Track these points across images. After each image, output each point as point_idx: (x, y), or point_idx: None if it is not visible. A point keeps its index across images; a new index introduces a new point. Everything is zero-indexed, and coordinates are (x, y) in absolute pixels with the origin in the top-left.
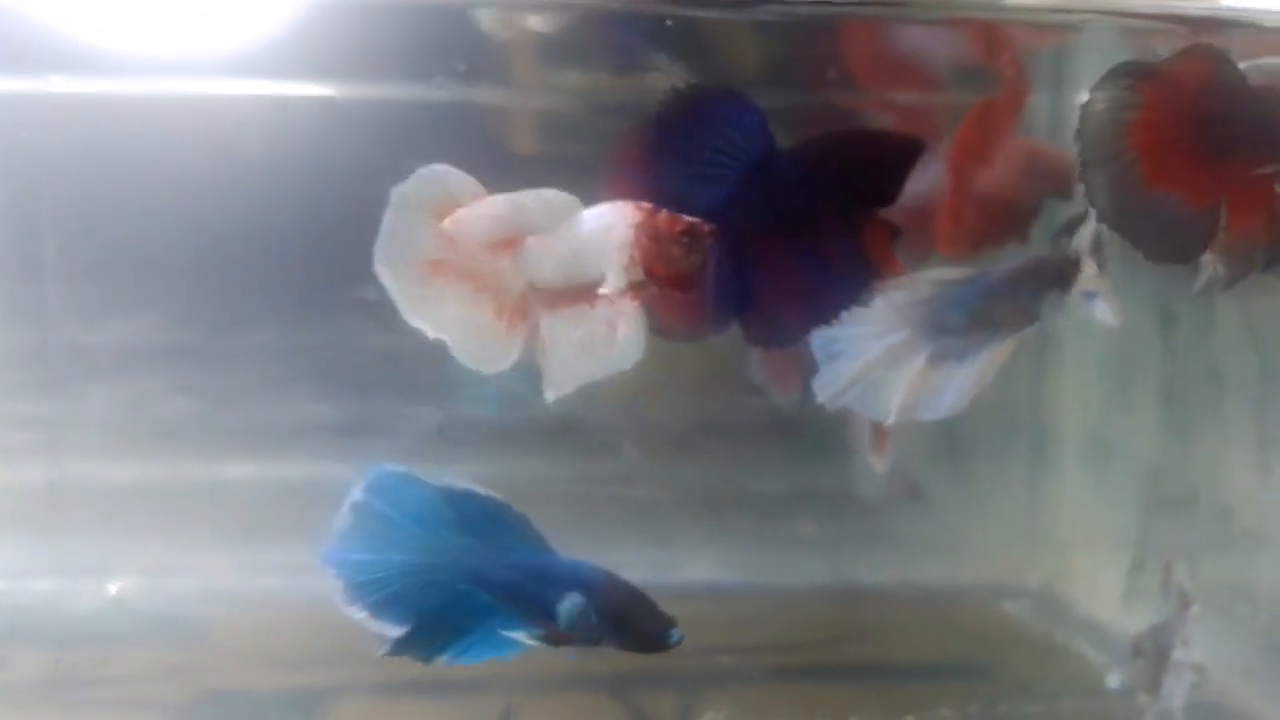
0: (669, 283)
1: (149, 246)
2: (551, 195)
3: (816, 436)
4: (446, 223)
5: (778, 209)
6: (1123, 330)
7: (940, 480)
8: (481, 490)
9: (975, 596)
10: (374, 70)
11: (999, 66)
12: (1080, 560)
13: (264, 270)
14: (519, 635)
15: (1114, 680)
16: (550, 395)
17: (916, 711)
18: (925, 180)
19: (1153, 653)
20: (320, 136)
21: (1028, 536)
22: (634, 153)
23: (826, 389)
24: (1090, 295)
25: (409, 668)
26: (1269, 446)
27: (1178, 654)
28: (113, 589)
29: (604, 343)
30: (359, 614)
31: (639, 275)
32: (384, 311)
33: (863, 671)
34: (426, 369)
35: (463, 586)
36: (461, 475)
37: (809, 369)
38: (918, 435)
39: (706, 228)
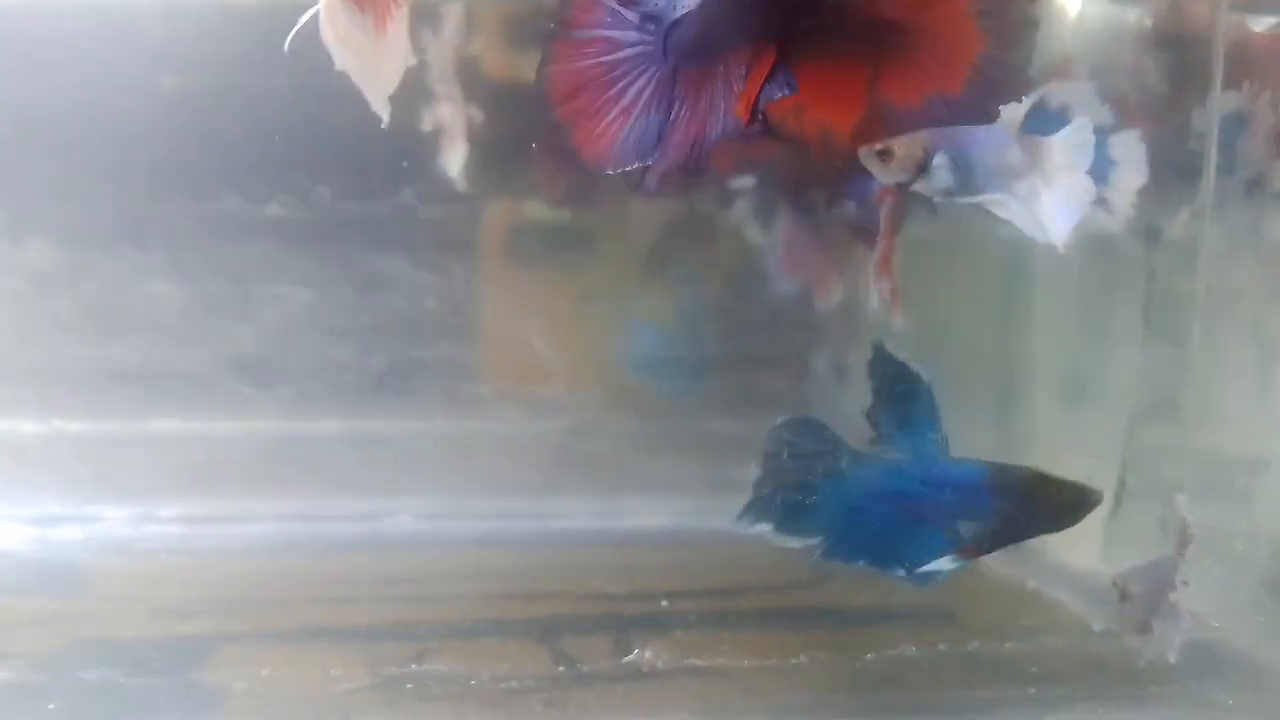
0: None
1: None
2: None
3: (767, 374)
4: None
5: (721, 31)
6: (1098, 252)
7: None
8: None
9: None
10: None
11: None
12: None
13: (170, 193)
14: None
15: (1098, 625)
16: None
17: (876, 650)
18: None
19: (1143, 595)
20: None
21: None
22: None
23: None
24: None
25: (307, 615)
26: (1270, 364)
27: (1175, 596)
28: None
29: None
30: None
31: None
32: (288, 241)
33: (815, 615)
34: (351, 307)
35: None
36: (396, 426)
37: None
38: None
39: None
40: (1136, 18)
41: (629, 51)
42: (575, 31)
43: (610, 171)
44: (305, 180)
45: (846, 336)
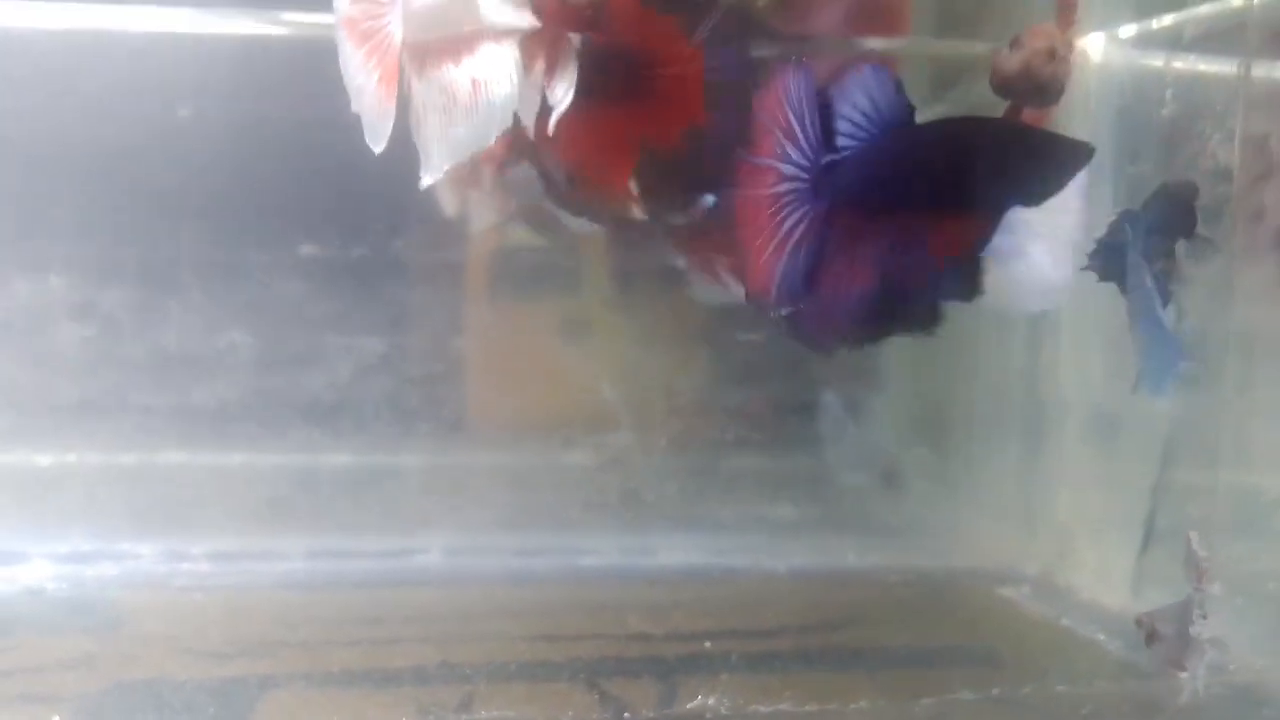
0: (564, 20)
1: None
2: None
3: (800, 418)
4: None
5: (891, 185)
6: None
7: (928, 462)
8: None
9: (969, 581)
10: None
11: None
12: (1083, 543)
13: (196, 233)
14: None
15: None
16: (424, 179)
17: (931, 694)
18: None
19: (1173, 634)
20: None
21: (1023, 519)
22: (777, 86)
23: None
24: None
25: (348, 657)
26: None
27: (1196, 629)
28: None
29: (466, 105)
30: None
31: (530, 17)
32: (322, 283)
33: (854, 656)
34: (369, 346)
35: None
36: (412, 463)
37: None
38: (904, 415)
39: None
40: (1163, 61)
41: (789, 186)
42: (756, 158)
43: (766, 304)
44: (348, 223)
45: (867, 376)
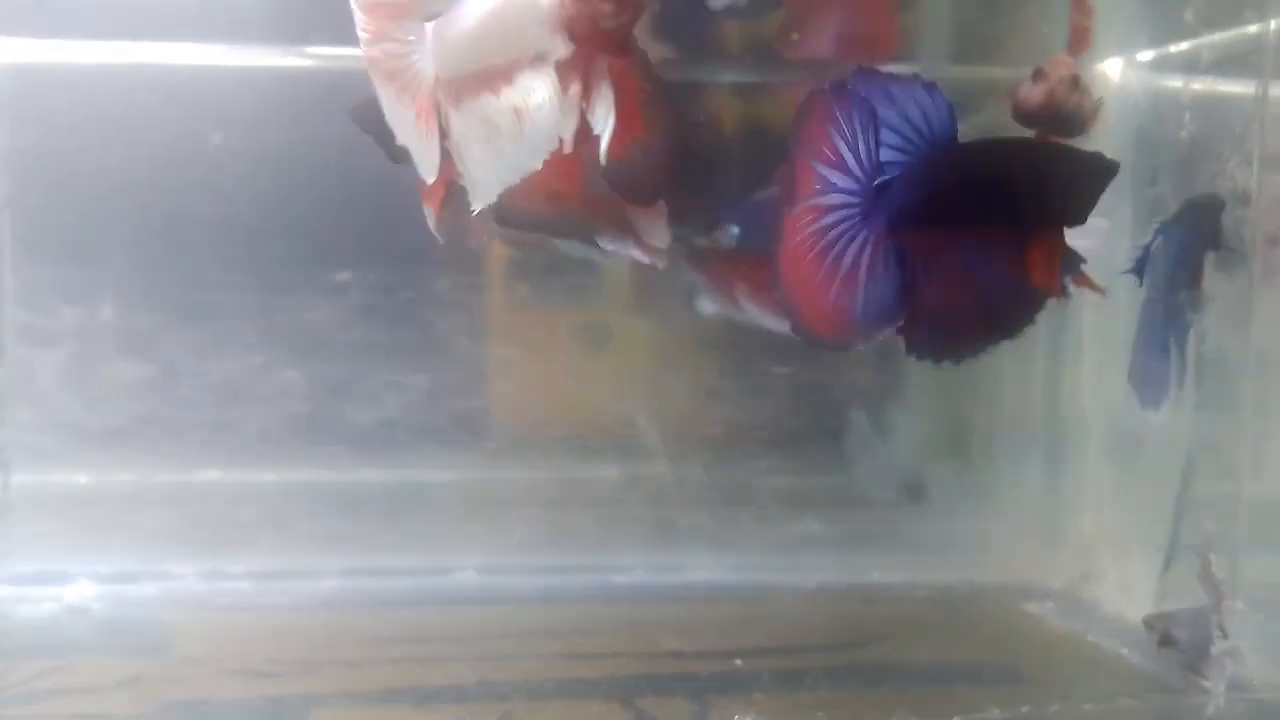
0: (597, 43)
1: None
2: None
3: (827, 436)
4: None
5: (948, 202)
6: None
7: (951, 479)
8: None
9: (993, 597)
10: None
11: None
12: (1107, 560)
13: (233, 259)
14: None
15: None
16: (475, 206)
17: (961, 714)
18: None
19: (1189, 640)
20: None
21: (1047, 536)
22: (820, 113)
23: None
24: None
25: (389, 675)
26: None
27: (1217, 648)
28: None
29: (511, 133)
30: None
31: (564, 43)
32: (358, 308)
33: (883, 674)
34: (402, 364)
35: None
36: (443, 482)
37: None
38: (927, 432)
39: None
40: (1181, 84)
41: (839, 215)
42: (797, 204)
43: (845, 342)
44: (380, 248)
45: (891, 395)
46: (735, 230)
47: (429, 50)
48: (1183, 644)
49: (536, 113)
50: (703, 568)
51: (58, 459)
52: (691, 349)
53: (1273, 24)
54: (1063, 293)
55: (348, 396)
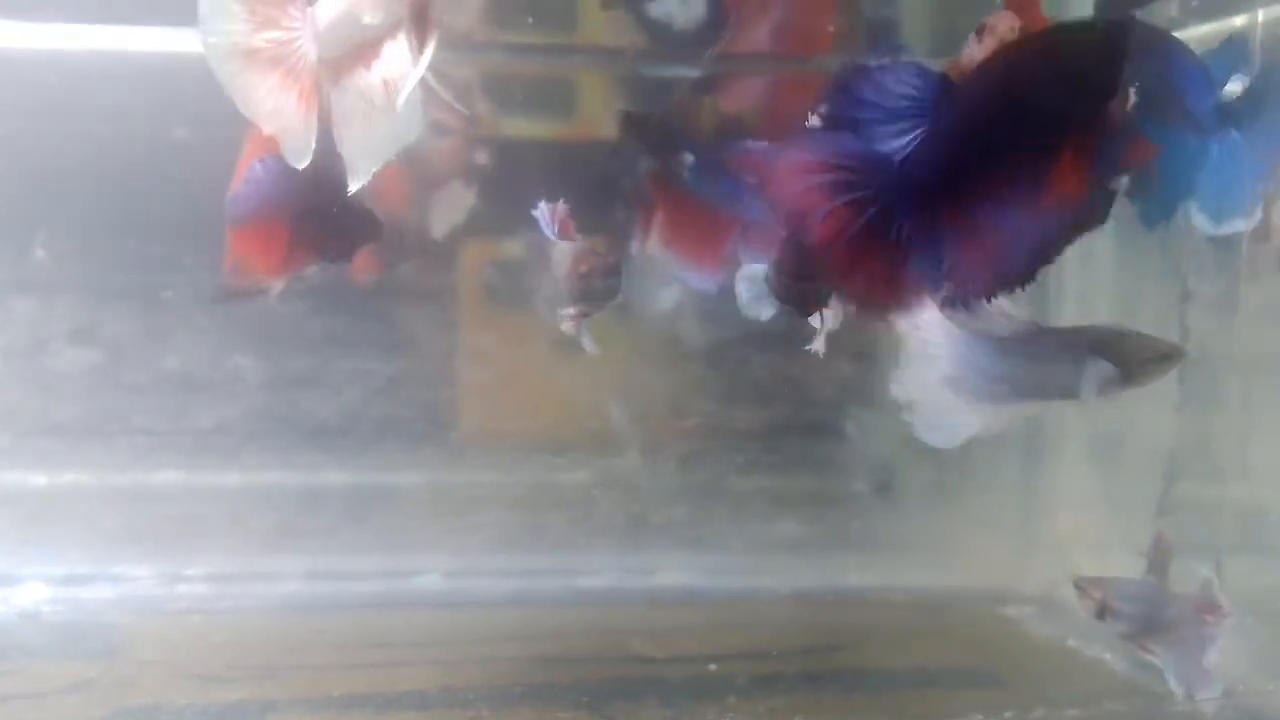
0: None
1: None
2: None
3: (801, 436)
4: None
5: (962, 151)
6: (1134, 311)
7: (925, 480)
8: None
9: (970, 601)
10: None
11: None
12: (1087, 564)
13: (189, 248)
14: None
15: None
16: (352, 186)
17: (945, 717)
18: None
19: (1135, 614)
20: None
21: (1024, 539)
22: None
23: None
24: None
25: (351, 680)
26: None
27: (1209, 660)
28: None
29: (384, 106)
30: None
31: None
32: (323, 304)
33: (860, 678)
34: (368, 362)
35: None
36: (409, 483)
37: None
38: (899, 432)
39: None
40: None
41: (869, 212)
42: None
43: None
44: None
45: (872, 396)
46: (691, 160)
47: (310, 34)
48: (1126, 616)
49: (401, 81)
50: (675, 570)
51: (11, 459)
52: (664, 346)
53: (1260, 15)
54: (1107, 189)
55: (313, 397)
